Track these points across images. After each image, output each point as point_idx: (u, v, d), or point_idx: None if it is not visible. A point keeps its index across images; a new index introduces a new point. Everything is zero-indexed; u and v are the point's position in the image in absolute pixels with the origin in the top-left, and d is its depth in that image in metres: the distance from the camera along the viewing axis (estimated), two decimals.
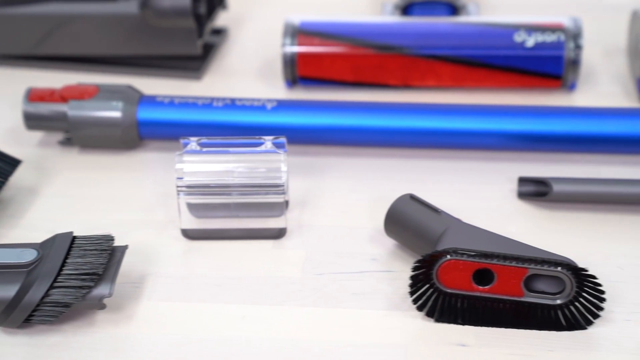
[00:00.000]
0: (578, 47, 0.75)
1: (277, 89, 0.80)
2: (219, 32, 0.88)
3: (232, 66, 0.84)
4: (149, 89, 0.79)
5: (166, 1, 0.78)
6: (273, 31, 0.84)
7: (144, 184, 0.71)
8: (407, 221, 0.63)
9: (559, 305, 0.57)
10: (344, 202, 0.69)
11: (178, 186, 0.64)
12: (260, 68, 0.84)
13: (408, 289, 0.58)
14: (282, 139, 0.65)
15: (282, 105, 0.73)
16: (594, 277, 0.57)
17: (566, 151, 0.71)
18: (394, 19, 0.81)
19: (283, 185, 0.64)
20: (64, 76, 0.82)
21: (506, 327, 0.58)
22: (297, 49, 0.78)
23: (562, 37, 0.76)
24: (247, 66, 0.84)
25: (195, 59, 0.82)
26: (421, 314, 0.58)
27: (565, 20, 0.77)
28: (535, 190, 0.68)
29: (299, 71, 0.78)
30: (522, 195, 0.68)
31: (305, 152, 0.73)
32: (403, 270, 0.61)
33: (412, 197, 0.63)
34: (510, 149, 0.72)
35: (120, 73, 0.82)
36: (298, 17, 0.80)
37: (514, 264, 0.57)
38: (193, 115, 0.72)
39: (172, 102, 0.73)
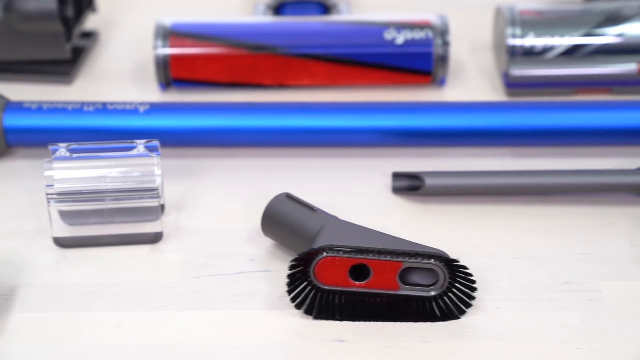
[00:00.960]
0: (446, 44, 0.77)
1: (150, 92, 0.79)
2: (89, 35, 0.86)
3: (103, 70, 0.83)
4: (17, 95, 0.77)
5: (31, 4, 0.76)
6: (145, 33, 0.83)
7: (14, 193, 0.69)
8: (283, 220, 0.63)
9: (433, 297, 0.58)
10: (221, 203, 0.68)
11: (48, 194, 0.62)
12: (133, 71, 0.82)
13: (286, 288, 0.59)
14: (155, 142, 0.64)
15: (155, 108, 0.72)
16: (465, 268, 0.58)
17: (438, 145, 0.73)
18: (266, 19, 0.81)
19: (157, 189, 0.63)
20: None
21: (383, 320, 0.59)
22: (169, 50, 0.77)
23: (430, 34, 0.77)
24: (120, 69, 0.83)
25: (64, 63, 0.80)
26: (300, 312, 0.59)
27: (432, 18, 0.79)
28: (409, 185, 0.69)
29: (172, 73, 0.78)
30: (396, 190, 0.69)
31: (180, 155, 0.73)
32: (281, 270, 0.61)
33: (288, 196, 0.64)
34: (384, 145, 0.73)
35: None
36: (169, 19, 0.79)
37: (388, 258, 0.58)
38: (63, 121, 0.71)
39: (40, 108, 0.71)
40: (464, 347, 0.57)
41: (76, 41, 0.83)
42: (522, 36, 0.77)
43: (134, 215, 0.64)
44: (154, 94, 0.79)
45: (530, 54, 0.77)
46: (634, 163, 0.69)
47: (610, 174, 0.67)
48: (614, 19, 0.77)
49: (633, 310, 0.58)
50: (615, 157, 0.71)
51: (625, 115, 0.71)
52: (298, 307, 0.59)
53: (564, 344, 0.56)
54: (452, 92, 0.80)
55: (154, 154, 0.63)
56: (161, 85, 0.79)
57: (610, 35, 0.77)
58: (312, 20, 0.80)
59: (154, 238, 0.64)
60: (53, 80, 0.80)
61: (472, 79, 0.81)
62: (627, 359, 0.55)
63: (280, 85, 0.79)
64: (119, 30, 0.88)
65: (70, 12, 0.80)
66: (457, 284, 0.58)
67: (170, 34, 0.77)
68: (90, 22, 0.86)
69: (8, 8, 0.76)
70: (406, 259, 0.58)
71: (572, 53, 0.77)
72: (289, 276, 0.58)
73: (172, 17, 0.79)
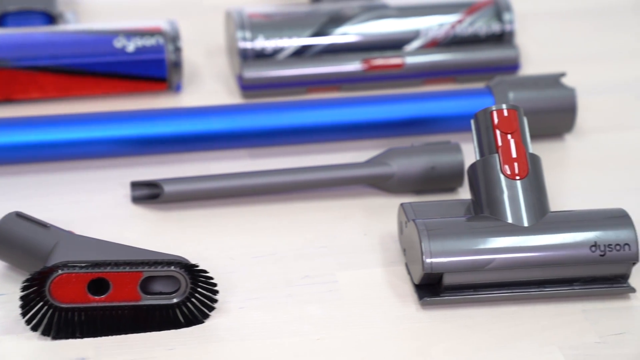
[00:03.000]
0: (177, 49, 0.77)
1: None
2: None
3: None
4: None
5: None
6: None
7: None
8: (15, 240, 0.60)
9: (177, 304, 0.58)
10: None
11: None
12: None
13: (20, 310, 0.56)
14: None
15: None
16: (206, 272, 0.58)
17: (176, 152, 0.73)
18: None
19: None
20: None
21: (127, 333, 0.57)
22: None
23: (162, 40, 0.77)
24: None
25: None
26: (37, 334, 0.56)
27: (162, 24, 0.78)
28: (149, 194, 0.68)
29: None
30: (136, 199, 0.68)
31: None
32: (15, 292, 0.58)
33: (19, 215, 0.61)
34: (122, 154, 0.71)
35: None
36: None
37: (127, 269, 0.57)
38: None
39: None
40: (208, 350, 0.57)
41: None
42: (252, 39, 0.79)
43: None
44: None
45: (261, 57, 0.79)
46: (364, 156, 0.72)
47: (342, 168, 0.70)
48: (337, 19, 0.80)
49: (366, 297, 0.61)
50: (348, 152, 0.74)
51: (353, 111, 0.74)
52: (34, 329, 0.56)
53: (305, 336, 0.58)
54: (189, 97, 0.79)
55: None
56: None
57: (335, 35, 0.80)
58: (37, 31, 0.77)
59: None
60: None
61: (208, 83, 0.81)
62: (362, 344, 0.58)
63: (8, 100, 0.76)
64: None
65: None
66: (199, 289, 0.58)
67: None
68: None
69: None
70: (145, 269, 0.57)
71: (301, 54, 0.80)
72: (22, 297, 0.56)
73: None
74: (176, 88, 0.79)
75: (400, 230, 0.64)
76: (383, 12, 0.80)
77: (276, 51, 0.79)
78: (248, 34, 0.78)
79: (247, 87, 0.78)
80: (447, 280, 0.59)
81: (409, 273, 0.62)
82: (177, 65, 0.77)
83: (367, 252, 0.64)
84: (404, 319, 0.59)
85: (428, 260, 0.58)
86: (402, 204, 0.63)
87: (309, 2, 0.85)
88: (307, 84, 0.79)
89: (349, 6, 0.81)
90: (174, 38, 0.77)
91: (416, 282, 0.60)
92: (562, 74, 0.75)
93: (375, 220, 0.67)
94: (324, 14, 0.80)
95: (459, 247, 0.59)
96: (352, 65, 0.79)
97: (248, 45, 0.78)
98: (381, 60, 0.79)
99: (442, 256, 0.59)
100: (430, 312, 0.59)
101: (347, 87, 0.80)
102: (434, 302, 0.60)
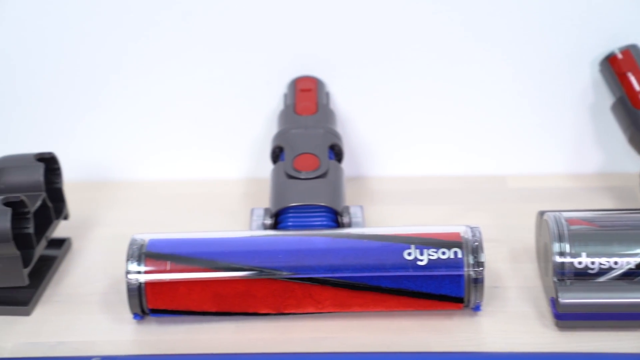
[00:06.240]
0: (479, 264, 0.63)
1: (123, 324, 0.65)
2: (61, 242, 0.74)
3: (71, 290, 0.69)
4: None
5: None
6: (122, 238, 0.70)
7: None
8: None
9: None
10: None
11: None
12: (106, 291, 0.69)
13: None
14: None
15: None
16: None
17: None
18: (261, 233, 0.68)
19: None
20: None
21: None
22: (144, 277, 0.64)
23: (460, 254, 0.64)
24: (89, 290, 0.69)
25: (23, 289, 0.67)
26: None
27: (462, 231, 0.65)
28: None
29: (148, 303, 0.65)
30: None
31: None
32: None
33: None
34: None
35: None
36: (146, 236, 0.66)
37: None
38: None
39: None
40: None
41: (44, 251, 0.70)
42: (572, 255, 0.64)
43: None
44: (127, 326, 0.65)
45: (583, 276, 0.63)
46: None
47: None
48: None
49: None
50: None
51: None
52: None
53: None
54: (489, 320, 0.65)
55: None
56: (136, 316, 0.66)
57: None
58: (318, 235, 0.66)
59: None
60: (9, 312, 0.67)
61: (512, 301, 0.66)
62: None
63: (280, 314, 0.66)
64: (93, 236, 0.76)
65: (31, 227, 0.67)
66: None
67: (147, 256, 0.65)
68: (61, 226, 0.74)
69: None
70: None
71: (636, 276, 0.63)
72: None
73: (150, 234, 0.66)
74: (474, 308, 0.65)
75: None
76: None
77: (602, 271, 0.63)
78: (567, 248, 0.63)
79: (563, 315, 0.63)
80: None
81: None
82: (477, 282, 0.64)
83: None
84: None
85: None
86: None
87: None
88: None
89: None
90: (474, 250, 0.64)
91: None
92: None
93: None
94: None
95: None
96: None
97: (566, 260, 0.63)
98: None
99: None
100: None
101: None
102: None
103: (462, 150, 0.84)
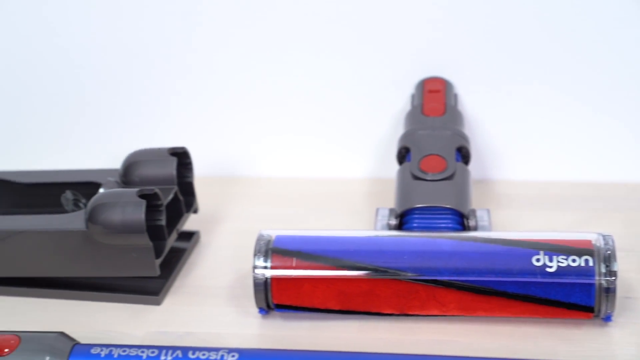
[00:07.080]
0: (611, 273, 0.62)
1: (249, 317, 0.67)
2: (190, 235, 0.76)
3: (199, 282, 0.71)
4: (98, 316, 0.67)
5: (116, 215, 0.66)
6: (249, 234, 0.71)
7: None
8: None
9: None
10: None
11: None
12: (233, 285, 0.70)
13: None
14: None
15: (245, 357, 0.59)
16: None
17: None
18: (387, 233, 0.68)
19: None
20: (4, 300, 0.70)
21: None
22: (270, 273, 0.65)
23: (591, 262, 0.62)
24: (217, 283, 0.71)
25: (154, 279, 0.69)
26: None
27: (594, 238, 0.63)
28: None
29: (273, 298, 0.66)
30: None
31: None
32: None
33: None
34: None
35: (65, 297, 0.69)
36: (273, 232, 0.67)
37: None
38: None
39: (110, 355, 0.59)
40: None
41: (174, 243, 0.73)
42: None
43: None
44: (253, 320, 0.66)
45: None
46: None
47: None
48: None
49: None
50: None
51: None
52: None
53: None
54: (621, 331, 0.63)
55: None
56: (261, 311, 0.67)
57: None
58: (443, 237, 0.66)
59: None
60: (140, 301, 0.69)
61: None
62: None
63: (404, 314, 0.66)
64: (221, 230, 0.78)
65: (163, 220, 0.69)
66: None
67: (273, 252, 0.66)
68: (191, 220, 0.76)
69: (91, 219, 0.66)
70: None
71: None
72: None
73: (276, 230, 0.67)
74: (605, 319, 0.63)
75: None
76: None
77: None
78: None
79: None
80: None
81: None
82: (608, 292, 0.62)
83: None
84: None
85: None
86: None
87: None
88: None
89: None
90: (607, 258, 0.62)
91: None
92: None
93: None
94: None
95: None
96: None
97: None
98: None
99: None
100: None
101: None
102: None
103: (592, 155, 0.82)
